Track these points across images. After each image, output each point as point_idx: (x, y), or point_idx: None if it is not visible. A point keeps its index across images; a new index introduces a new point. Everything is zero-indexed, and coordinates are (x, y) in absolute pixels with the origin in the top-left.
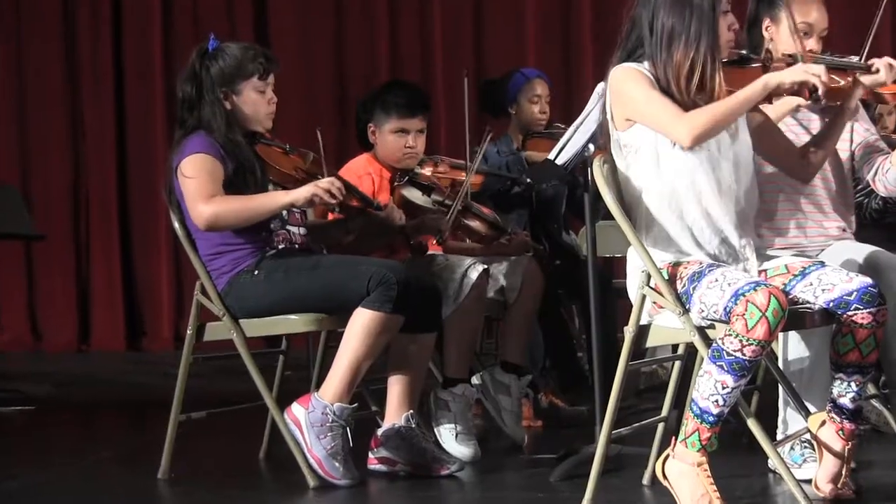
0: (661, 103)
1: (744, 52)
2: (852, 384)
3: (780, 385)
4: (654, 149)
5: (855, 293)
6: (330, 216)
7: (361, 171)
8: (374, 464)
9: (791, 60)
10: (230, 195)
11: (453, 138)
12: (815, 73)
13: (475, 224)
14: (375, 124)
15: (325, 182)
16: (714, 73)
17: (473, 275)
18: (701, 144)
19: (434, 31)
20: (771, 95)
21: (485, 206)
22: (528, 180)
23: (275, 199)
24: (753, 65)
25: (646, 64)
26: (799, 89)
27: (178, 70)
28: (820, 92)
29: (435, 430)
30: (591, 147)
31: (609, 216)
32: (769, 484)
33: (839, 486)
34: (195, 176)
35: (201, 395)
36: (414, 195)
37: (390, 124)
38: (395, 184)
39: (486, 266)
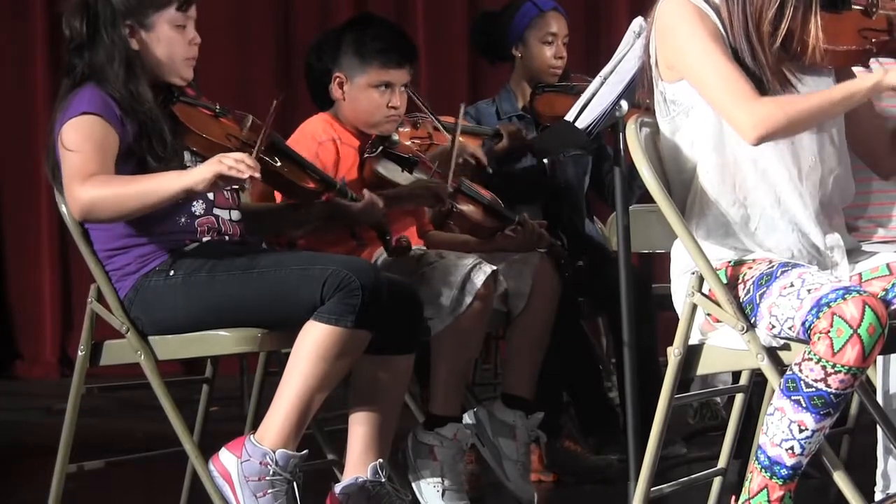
0: (724, 73)
1: None
2: None
3: (878, 427)
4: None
5: None
6: (277, 198)
7: (321, 137)
8: None
9: None
10: (117, 175)
11: (438, 93)
12: None
13: (469, 209)
14: (346, 74)
15: (234, 156)
16: (808, 19)
17: (479, 279)
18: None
19: None
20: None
21: (481, 187)
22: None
23: (165, 183)
24: (855, 7)
25: None
26: None
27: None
28: None
29: (413, 485)
30: (624, 105)
31: (647, 198)
32: None
33: None
34: (77, 148)
35: (98, 438)
36: (391, 171)
37: (368, 76)
38: (367, 155)
39: (494, 267)
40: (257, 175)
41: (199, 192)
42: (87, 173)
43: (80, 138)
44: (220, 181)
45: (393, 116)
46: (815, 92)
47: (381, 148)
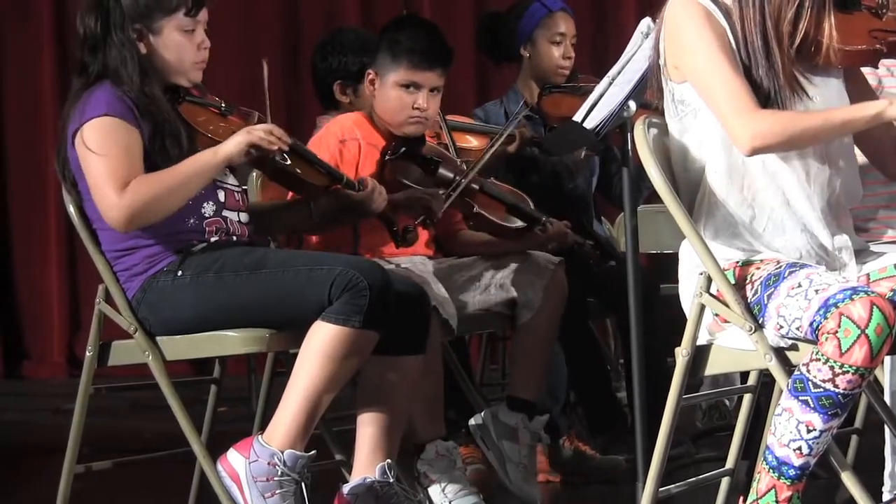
0: (726, 80)
1: None
2: None
3: (886, 427)
4: None
5: None
6: (290, 196)
7: (344, 137)
8: None
9: None
10: (149, 174)
11: (446, 93)
12: None
13: (490, 210)
14: (378, 71)
15: (262, 126)
16: (822, 19)
17: None
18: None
19: None
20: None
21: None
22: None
23: (203, 161)
24: (864, 7)
25: None
26: None
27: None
28: None
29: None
30: (633, 105)
31: (655, 198)
32: None
33: None
34: (104, 152)
35: (105, 438)
36: (411, 173)
37: (397, 74)
38: (388, 157)
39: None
40: (286, 147)
41: (236, 162)
42: (121, 180)
43: (106, 141)
44: (253, 150)
45: (418, 118)
46: (816, 112)
47: (402, 150)
